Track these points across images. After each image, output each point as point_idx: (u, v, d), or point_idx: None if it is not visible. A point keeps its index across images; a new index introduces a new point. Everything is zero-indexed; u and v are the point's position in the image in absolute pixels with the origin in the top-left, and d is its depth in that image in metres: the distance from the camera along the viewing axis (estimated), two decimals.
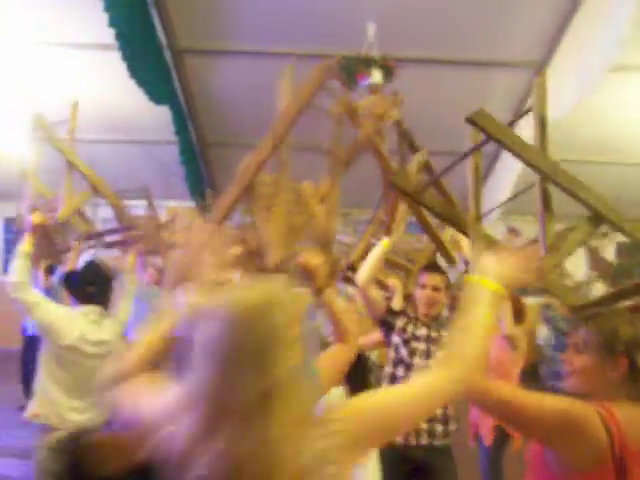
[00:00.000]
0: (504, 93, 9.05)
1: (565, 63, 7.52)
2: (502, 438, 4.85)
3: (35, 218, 4.00)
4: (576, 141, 9.78)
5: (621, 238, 12.97)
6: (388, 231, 4.54)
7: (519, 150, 2.98)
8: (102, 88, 8.48)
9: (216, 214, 3.57)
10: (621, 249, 13.68)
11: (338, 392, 4.12)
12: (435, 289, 4.09)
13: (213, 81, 9.00)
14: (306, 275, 2.55)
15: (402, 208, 4.73)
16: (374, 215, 5.65)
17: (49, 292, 8.62)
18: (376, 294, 4.04)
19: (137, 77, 7.09)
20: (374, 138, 4.30)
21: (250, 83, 8.86)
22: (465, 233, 3.55)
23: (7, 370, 9.52)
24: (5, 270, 9.25)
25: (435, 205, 3.43)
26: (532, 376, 5.93)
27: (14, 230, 11.78)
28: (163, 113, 8.38)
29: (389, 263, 4.90)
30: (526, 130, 8.66)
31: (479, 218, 3.36)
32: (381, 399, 1.67)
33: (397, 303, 4.58)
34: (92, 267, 4.21)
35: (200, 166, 10.83)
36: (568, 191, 2.94)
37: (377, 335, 4.42)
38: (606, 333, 2.11)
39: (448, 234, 4.99)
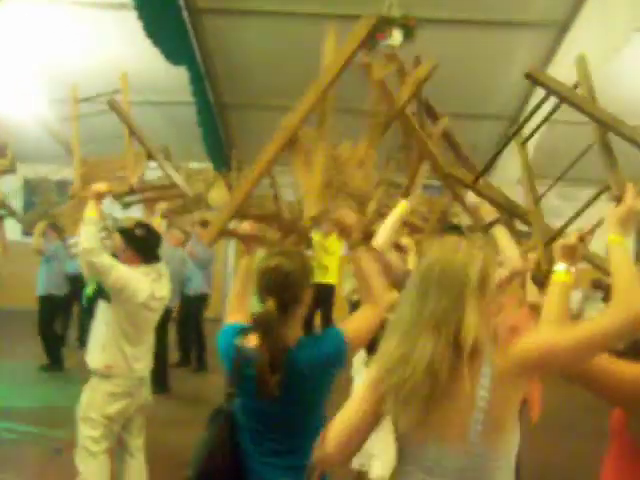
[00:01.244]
0: (527, 53, 8.89)
1: (589, 23, 7.37)
2: (519, 412, 4.85)
3: (101, 187, 4.12)
4: (600, 104, 9.64)
5: None
6: (406, 193, 4.48)
7: (579, 103, 2.96)
8: (117, 47, 8.42)
9: (256, 168, 3.57)
10: None
11: (361, 356, 4.16)
12: None
13: (232, 42, 8.91)
14: (340, 232, 2.63)
15: (422, 171, 4.68)
16: (383, 175, 5.61)
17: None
18: (395, 258, 3.98)
19: (154, 37, 7.04)
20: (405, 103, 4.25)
21: (269, 44, 8.78)
22: (525, 220, 3.52)
23: (21, 329, 9.71)
24: (24, 232, 9.42)
25: (494, 195, 3.42)
26: None
27: (33, 191, 11.90)
28: (180, 74, 8.32)
29: (405, 224, 4.86)
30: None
31: (537, 201, 3.33)
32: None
33: (411, 263, 4.54)
34: (151, 228, 4.43)
35: (218, 128, 10.78)
36: (631, 139, 2.91)
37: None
38: None
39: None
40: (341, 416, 2.00)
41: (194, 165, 9.97)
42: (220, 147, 11.23)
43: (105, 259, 4.00)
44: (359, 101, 4.53)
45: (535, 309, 4.82)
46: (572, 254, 2.31)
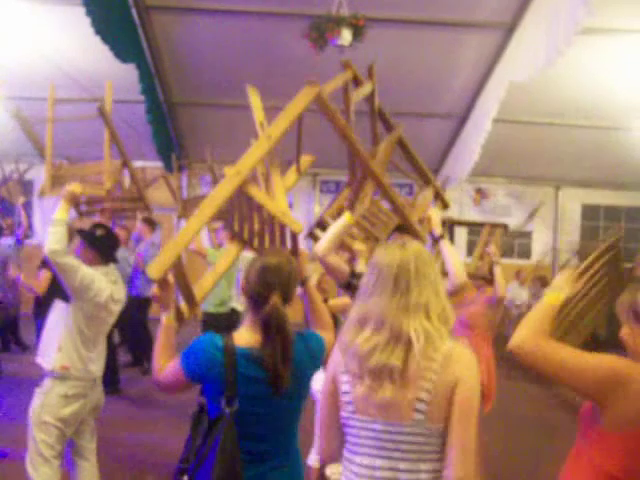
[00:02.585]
0: (474, 54, 9.05)
1: (535, 26, 7.52)
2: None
3: (74, 188, 4.04)
4: (544, 104, 9.86)
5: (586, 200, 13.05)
6: (351, 207, 4.57)
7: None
8: (66, 45, 8.29)
9: (202, 214, 3.60)
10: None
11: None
12: None
13: (181, 39, 8.86)
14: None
15: (367, 187, 4.78)
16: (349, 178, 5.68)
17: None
18: (336, 259, 4.06)
19: (102, 34, 6.95)
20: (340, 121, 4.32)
21: (218, 41, 8.75)
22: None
23: None
24: None
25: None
26: None
27: None
28: (129, 71, 8.25)
29: (359, 228, 4.95)
30: (496, 90, 8.72)
31: None
32: None
33: (362, 267, 4.62)
34: (110, 230, 4.45)
35: (168, 125, 10.71)
36: None
37: (346, 299, 4.47)
38: (631, 304, 2.37)
39: (420, 211, 5.10)
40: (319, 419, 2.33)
41: (142, 164, 9.92)
42: (170, 145, 11.16)
43: (71, 260, 3.96)
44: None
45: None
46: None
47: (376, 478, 2.13)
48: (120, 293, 4.33)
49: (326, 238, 3.83)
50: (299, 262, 2.83)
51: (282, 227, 3.54)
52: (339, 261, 4.03)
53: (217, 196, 3.25)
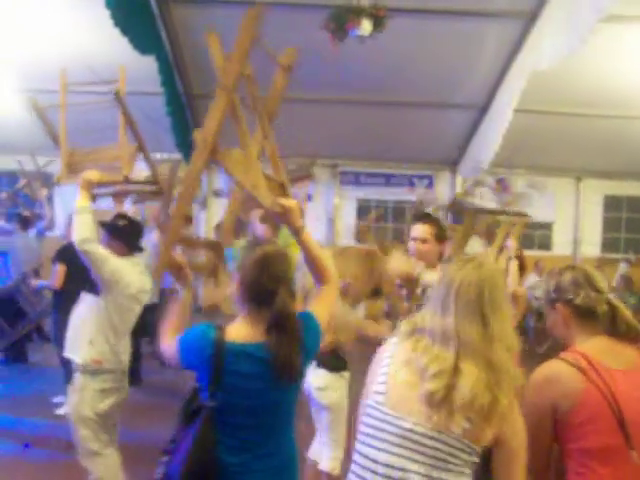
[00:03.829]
0: (495, 44, 8.95)
1: (556, 14, 7.42)
2: None
3: (90, 175, 3.98)
4: (566, 93, 9.74)
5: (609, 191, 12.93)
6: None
7: None
8: (85, 37, 8.30)
9: (185, 188, 3.54)
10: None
11: None
12: (419, 240, 4.04)
13: (200, 30, 8.80)
14: (285, 217, 2.67)
15: None
16: None
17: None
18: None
19: (122, 26, 6.95)
20: None
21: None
22: None
23: None
24: None
25: None
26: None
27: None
28: (149, 63, 8.24)
29: None
30: (517, 80, 8.64)
31: None
32: None
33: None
34: (133, 219, 4.44)
35: (187, 118, 10.71)
36: None
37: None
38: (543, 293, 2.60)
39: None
40: None
41: (163, 156, 9.94)
42: (188, 138, 11.15)
43: (100, 249, 3.93)
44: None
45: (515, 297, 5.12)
46: None
47: (390, 478, 2.08)
48: (148, 283, 4.33)
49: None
50: (291, 215, 2.69)
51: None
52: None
53: (192, 173, 3.16)
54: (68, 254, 6.56)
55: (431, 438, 2.04)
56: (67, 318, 6.69)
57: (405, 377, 2.14)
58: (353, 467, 2.21)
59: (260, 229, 8.50)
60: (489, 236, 6.65)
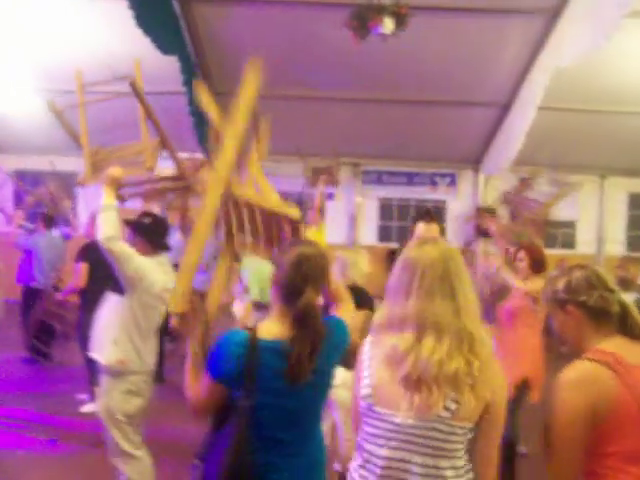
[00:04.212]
0: (518, 41, 8.90)
1: (580, 10, 7.37)
2: (521, 392, 4.96)
3: (116, 172, 3.97)
4: (590, 90, 9.66)
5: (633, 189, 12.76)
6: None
7: None
8: (108, 37, 8.37)
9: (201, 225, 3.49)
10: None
11: None
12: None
13: (222, 29, 8.88)
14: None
15: None
16: None
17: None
18: None
19: (145, 26, 7.00)
20: None
21: (260, 32, 8.75)
22: None
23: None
24: (7, 222, 9.42)
25: None
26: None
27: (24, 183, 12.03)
28: (171, 63, 8.29)
29: None
30: (541, 77, 8.57)
31: None
32: None
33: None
34: (158, 217, 4.37)
35: (209, 117, 10.75)
36: None
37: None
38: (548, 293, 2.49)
39: None
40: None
41: (184, 155, 9.97)
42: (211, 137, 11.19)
43: (124, 247, 3.91)
44: None
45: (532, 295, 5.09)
46: None
47: (391, 469, 2.14)
48: (172, 282, 4.23)
49: None
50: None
51: (278, 221, 3.41)
52: None
53: (207, 210, 3.02)
54: (91, 253, 6.61)
55: (422, 428, 2.09)
56: (91, 317, 6.74)
57: (386, 372, 2.18)
58: (356, 463, 2.27)
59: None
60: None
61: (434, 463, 2.09)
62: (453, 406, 2.06)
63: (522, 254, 5.36)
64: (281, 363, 2.38)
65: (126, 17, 6.79)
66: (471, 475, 2.16)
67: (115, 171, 3.98)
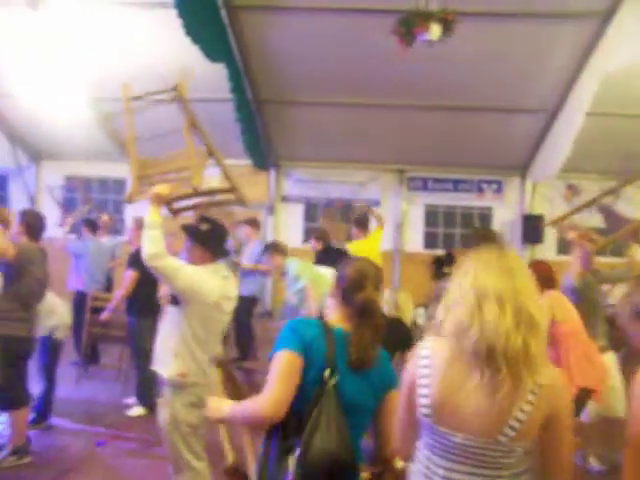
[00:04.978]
0: (566, 46, 8.76)
1: (632, 12, 7.24)
2: (583, 399, 4.90)
3: (162, 189, 3.97)
4: (636, 95, 9.46)
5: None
6: None
7: None
8: (158, 46, 8.51)
9: None
10: None
11: None
12: None
13: (269, 38, 8.94)
14: None
15: None
16: None
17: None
18: None
19: (193, 35, 7.09)
20: None
21: (306, 39, 8.79)
22: None
23: None
24: (61, 224, 9.60)
25: None
26: None
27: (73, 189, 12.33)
28: (218, 71, 8.38)
29: None
30: (590, 82, 8.43)
31: None
32: None
33: None
34: (216, 222, 4.23)
35: (256, 123, 10.83)
36: None
37: None
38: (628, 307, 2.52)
39: None
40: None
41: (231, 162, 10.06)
42: (258, 143, 11.29)
43: (171, 262, 3.86)
44: None
45: None
46: None
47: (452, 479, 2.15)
48: (232, 289, 4.19)
49: None
50: None
51: None
52: None
53: None
54: (140, 260, 6.72)
55: (482, 448, 2.09)
56: (140, 322, 6.81)
57: (447, 382, 2.14)
58: (418, 467, 2.28)
59: (244, 230, 8.66)
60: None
61: (496, 474, 2.11)
62: (516, 425, 2.05)
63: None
64: (345, 348, 2.52)
65: (175, 26, 6.88)
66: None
67: (161, 189, 3.98)
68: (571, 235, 5.39)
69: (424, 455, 2.24)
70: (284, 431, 2.47)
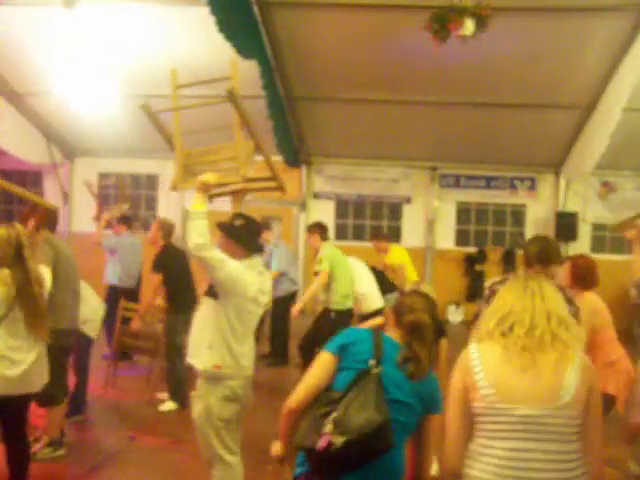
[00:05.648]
0: (603, 40, 8.63)
1: None
2: (606, 403, 4.81)
3: (208, 178, 3.92)
4: None
5: None
6: None
7: None
8: (190, 43, 8.57)
9: None
10: None
11: None
12: None
13: (301, 34, 8.95)
14: None
15: None
16: None
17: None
18: None
19: (226, 31, 7.12)
20: None
21: (338, 36, 8.78)
22: None
23: None
24: (96, 220, 9.70)
25: None
26: None
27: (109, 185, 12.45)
28: (251, 67, 8.40)
29: None
30: (628, 77, 8.27)
31: None
32: None
33: None
34: (250, 218, 4.22)
35: (287, 120, 10.85)
36: None
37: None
38: None
39: None
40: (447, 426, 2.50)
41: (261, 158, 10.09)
42: (290, 140, 11.31)
43: (217, 253, 3.84)
44: None
45: None
46: None
47: (514, 460, 2.29)
48: (267, 284, 4.20)
49: None
50: None
51: None
52: None
53: None
54: (163, 261, 6.92)
55: (544, 416, 2.28)
56: (174, 317, 6.84)
57: (504, 367, 2.37)
58: (474, 471, 2.39)
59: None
60: None
61: (555, 448, 2.28)
62: (570, 390, 2.29)
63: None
64: (397, 355, 2.67)
65: (208, 23, 6.91)
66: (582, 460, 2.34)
67: (209, 177, 3.92)
68: (630, 234, 5.29)
69: (481, 452, 2.38)
70: (324, 400, 2.61)
